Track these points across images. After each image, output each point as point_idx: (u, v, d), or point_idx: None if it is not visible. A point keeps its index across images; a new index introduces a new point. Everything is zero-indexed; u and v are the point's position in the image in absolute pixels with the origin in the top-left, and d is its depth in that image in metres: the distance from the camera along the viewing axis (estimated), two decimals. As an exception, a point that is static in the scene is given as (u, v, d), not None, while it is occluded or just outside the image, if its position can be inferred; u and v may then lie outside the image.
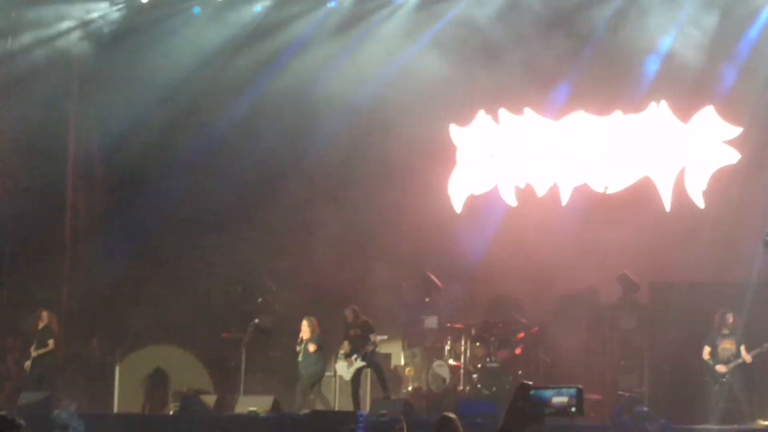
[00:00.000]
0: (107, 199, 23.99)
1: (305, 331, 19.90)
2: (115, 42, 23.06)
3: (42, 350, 20.70)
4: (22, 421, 8.42)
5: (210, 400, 19.59)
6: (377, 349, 20.13)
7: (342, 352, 20.01)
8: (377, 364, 20.01)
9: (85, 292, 23.24)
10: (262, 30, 22.89)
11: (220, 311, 22.57)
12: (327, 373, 20.76)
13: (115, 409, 21.57)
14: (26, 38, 22.53)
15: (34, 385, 20.41)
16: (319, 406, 19.52)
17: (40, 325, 20.85)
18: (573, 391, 4.14)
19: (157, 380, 22.07)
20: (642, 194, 21.58)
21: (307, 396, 19.81)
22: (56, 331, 21.01)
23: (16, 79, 22.17)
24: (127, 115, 22.41)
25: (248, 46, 22.80)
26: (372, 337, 19.77)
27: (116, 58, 23.00)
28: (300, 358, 19.94)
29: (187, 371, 22.29)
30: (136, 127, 22.51)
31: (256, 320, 21.02)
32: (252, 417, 18.55)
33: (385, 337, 20.19)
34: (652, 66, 21.42)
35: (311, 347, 19.74)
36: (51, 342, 20.72)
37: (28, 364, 20.81)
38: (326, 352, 20.14)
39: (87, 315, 22.79)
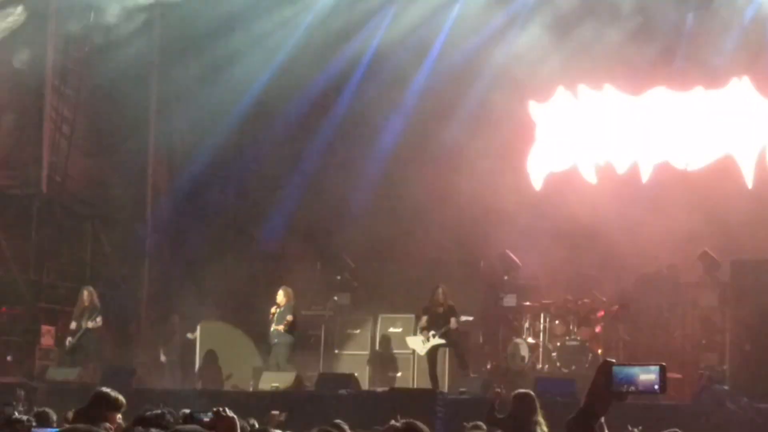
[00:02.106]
0: (188, 180, 24.16)
1: (281, 300, 20.02)
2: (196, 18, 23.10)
3: (94, 324, 20.58)
4: (123, 399, 8.47)
5: (289, 377, 19.71)
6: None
7: (420, 325, 20.05)
8: (456, 341, 20.03)
9: (166, 270, 23.49)
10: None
11: (299, 288, 22.69)
12: (403, 351, 20.85)
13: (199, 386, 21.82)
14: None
15: (70, 359, 20.66)
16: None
17: (87, 302, 20.80)
18: (657, 368, 4.13)
19: (209, 359, 22.35)
20: (724, 171, 21.33)
21: (288, 365, 19.95)
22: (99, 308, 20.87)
23: (98, 51, 22.31)
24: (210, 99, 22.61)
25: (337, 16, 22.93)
26: (452, 320, 19.71)
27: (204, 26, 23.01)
28: (273, 328, 20.03)
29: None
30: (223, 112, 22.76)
31: (335, 297, 21.10)
32: (331, 394, 18.64)
33: (470, 317, 20.14)
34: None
35: (290, 317, 19.93)
36: (100, 319, 20.62)
37: (70, 339, 20.70)
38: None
39: (167, 293, 23.00)
